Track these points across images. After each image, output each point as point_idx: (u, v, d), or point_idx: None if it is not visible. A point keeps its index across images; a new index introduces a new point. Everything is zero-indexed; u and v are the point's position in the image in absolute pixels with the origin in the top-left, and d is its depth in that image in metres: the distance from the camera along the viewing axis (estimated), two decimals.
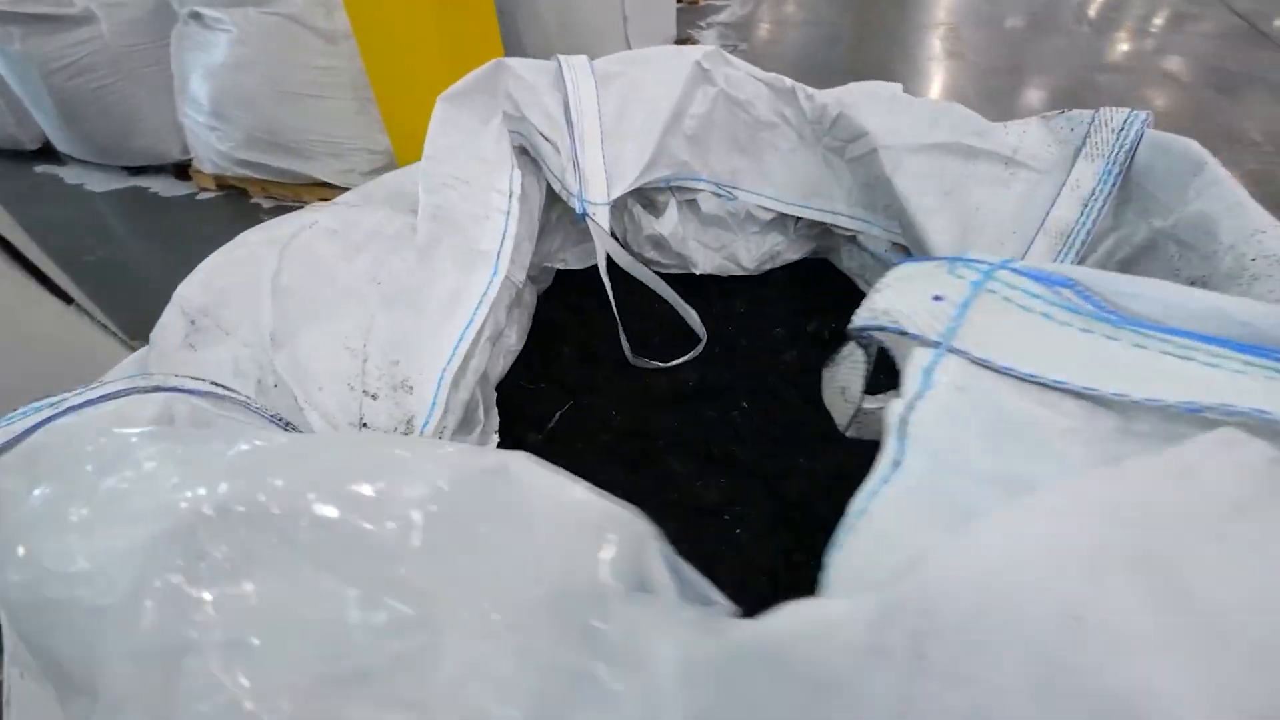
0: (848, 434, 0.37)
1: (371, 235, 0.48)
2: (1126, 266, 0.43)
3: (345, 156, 1.59)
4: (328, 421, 0.39)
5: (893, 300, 0.24)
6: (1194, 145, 0.39)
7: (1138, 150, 0.43)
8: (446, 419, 0.42)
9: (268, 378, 0.39)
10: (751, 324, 0.69)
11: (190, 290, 0.40)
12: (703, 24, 2.32)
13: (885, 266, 0.60)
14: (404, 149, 1.16)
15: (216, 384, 0.33)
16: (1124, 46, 2.36)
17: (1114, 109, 0.45)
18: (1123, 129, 0.44)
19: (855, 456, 0.56)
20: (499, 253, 0.48)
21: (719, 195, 0.66)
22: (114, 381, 0.32)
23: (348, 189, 1.83)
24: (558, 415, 0.61)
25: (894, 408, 0.22)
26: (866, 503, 0.20)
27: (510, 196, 0.51)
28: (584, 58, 0.61)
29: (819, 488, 0.54)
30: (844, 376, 0.34)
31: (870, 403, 0.32)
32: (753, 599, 0.21)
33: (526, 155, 0.59)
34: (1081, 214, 0.45)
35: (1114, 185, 0.44)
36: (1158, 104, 1.95)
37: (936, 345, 0.23)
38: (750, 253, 0.67)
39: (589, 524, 0.16)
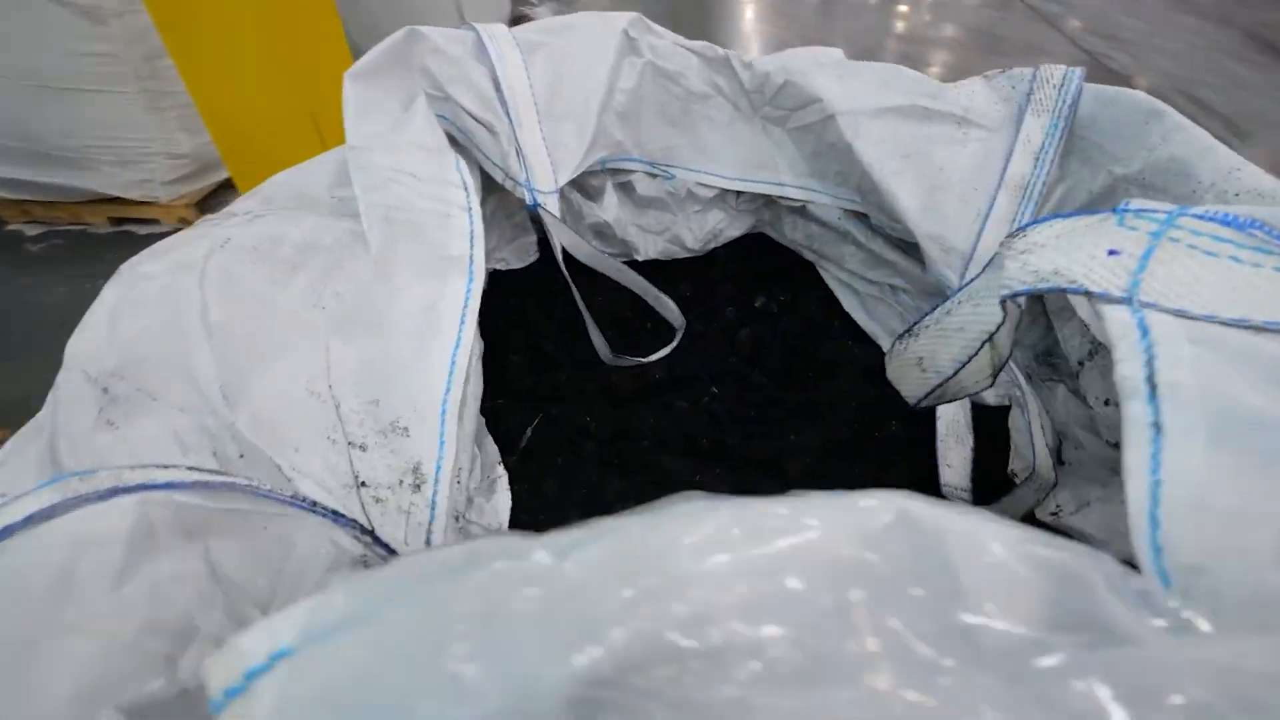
0: (919, 406, 0.36)
1: (305, 250, 0.39)
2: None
3: (137, 164, 1.33)
4: (321, 488, 0.31)
5: (1059, 259, 0.23)
6: (1144, 96, 0.42)
7: (1079, 104, 0.47)
8: (460, 459, 0.36)
9: (227, 447, 0.30)
10: (702, 307, 0.67)
11: (89, 347, 0.29)
12: (535, 1, 2.24)
13: (838, 235, 0.61)
14: (236, 150, 0.98)
15: (197, 469, 0.24)
16: (907, 18, 2.64)
17: (1052, 66, 0.48)
18: (1063, 85, 0.47)
19: (842, 427, 0.57)
20: (472, 256, 0.41)
21: (655, 175, 0.63)
22: (34, 492, 0.22)
23: (149, 203, 1.54)
24: (529, 431, 0.55)
25: (1124, 371, 0.20)
26: (1153, 474, 0.18)
27: (466, 190, 0.44)
28: (502, 26, 0.55)
29: (816, 462, 0.54)
30: (924, 346, 0.33)
31: (968, 369, 0.31)
32: None
33: (454, 142, 0.52)
34: (1035, 167, 0.48)
35: (1061, 138, 0.47)
36: (942, 64, 2.21)
37: (1122, 302, 0.22)
38: (694, 233, 0.64)
39: (1024, 564, 0.12)
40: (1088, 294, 0.22)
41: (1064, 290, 0.23)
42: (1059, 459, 0.45)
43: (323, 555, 0.25)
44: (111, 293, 0.31)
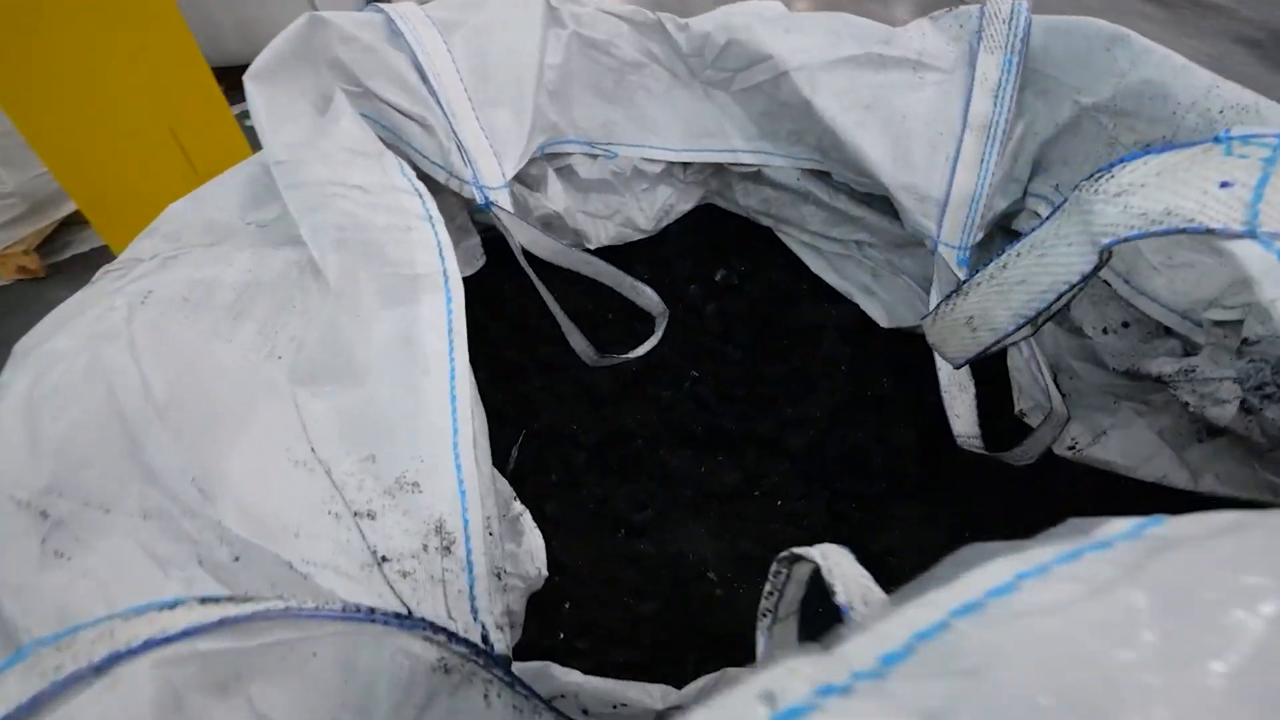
0: (959, 365, 0.35)
1: (245, 292, 0.32)
2: (1049, 146, 0.47)
3: None
4: (339, 575, 0.26)
5: (1168, 198, 0.22)
6: (1102, 22, 0.42)
7: (1030, 37, 0.47)
8: (487, 505, 0.31)
9: (215, 552, 0.24)
10: (662, 288, 0.63)
11: (7, 463, 0.22)
12: None
13: (797, 196, 0.59)
14: (82, 180, 0.83)
15: (214, 600, 0.19)
16: None
17: (998, 1, 0.48)
18: (1011, 18, 0.47)
19: (836, 392, 0.56)
20: (445, 270, 0.35)
21: (595, 156, 0.59)
22: None
23: None
24: (515, 450, 0.50)
25: None
26: None
27: (420, 196, 0.38)
28: (411, 4, 0.48)
29: (818, 431, 0.53)
30: (976, 304, 0.31)
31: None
32: None
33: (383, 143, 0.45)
34: (995, 105, 0.47)
35: (1017, 73, 0.47)
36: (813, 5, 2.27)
37: (1245, 236, 0.21)
38: (645, 212, 0.61)
39: None
40: (1209, 232, 0.21)
41: (1181, 231, 0.21)
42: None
43: (393, 671, 0.20)
44: (19, 384, 0.24)
